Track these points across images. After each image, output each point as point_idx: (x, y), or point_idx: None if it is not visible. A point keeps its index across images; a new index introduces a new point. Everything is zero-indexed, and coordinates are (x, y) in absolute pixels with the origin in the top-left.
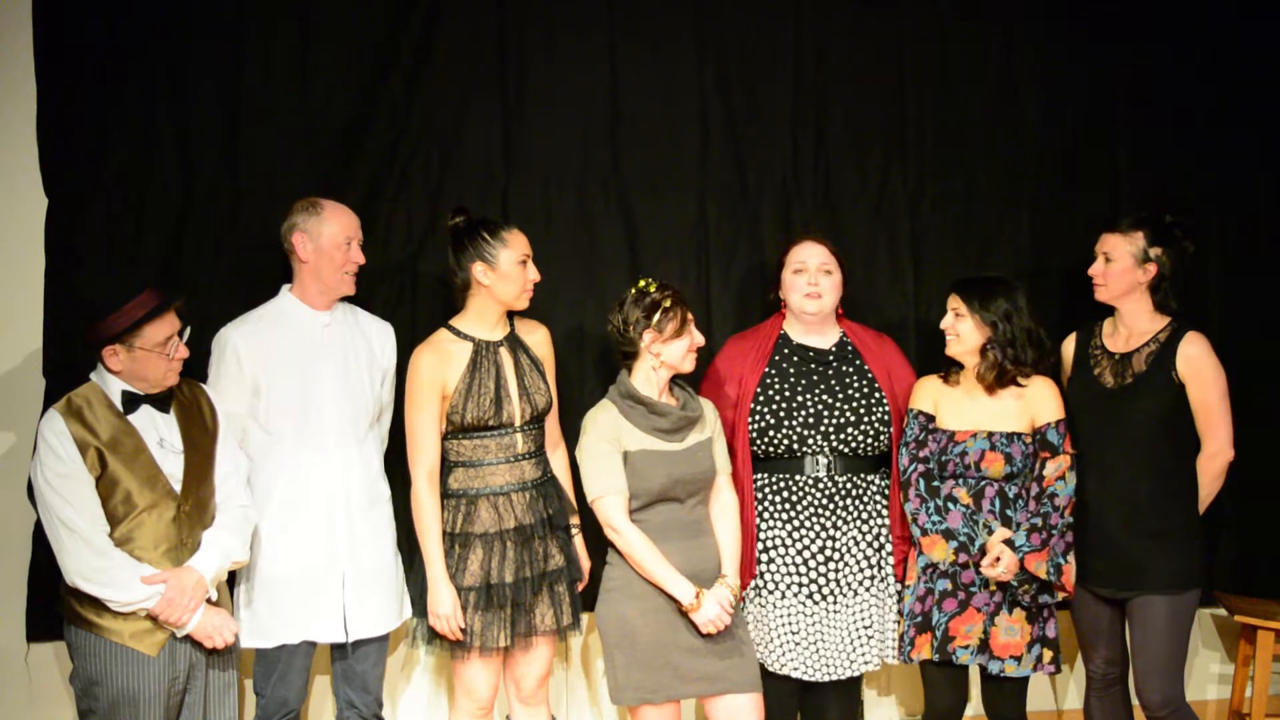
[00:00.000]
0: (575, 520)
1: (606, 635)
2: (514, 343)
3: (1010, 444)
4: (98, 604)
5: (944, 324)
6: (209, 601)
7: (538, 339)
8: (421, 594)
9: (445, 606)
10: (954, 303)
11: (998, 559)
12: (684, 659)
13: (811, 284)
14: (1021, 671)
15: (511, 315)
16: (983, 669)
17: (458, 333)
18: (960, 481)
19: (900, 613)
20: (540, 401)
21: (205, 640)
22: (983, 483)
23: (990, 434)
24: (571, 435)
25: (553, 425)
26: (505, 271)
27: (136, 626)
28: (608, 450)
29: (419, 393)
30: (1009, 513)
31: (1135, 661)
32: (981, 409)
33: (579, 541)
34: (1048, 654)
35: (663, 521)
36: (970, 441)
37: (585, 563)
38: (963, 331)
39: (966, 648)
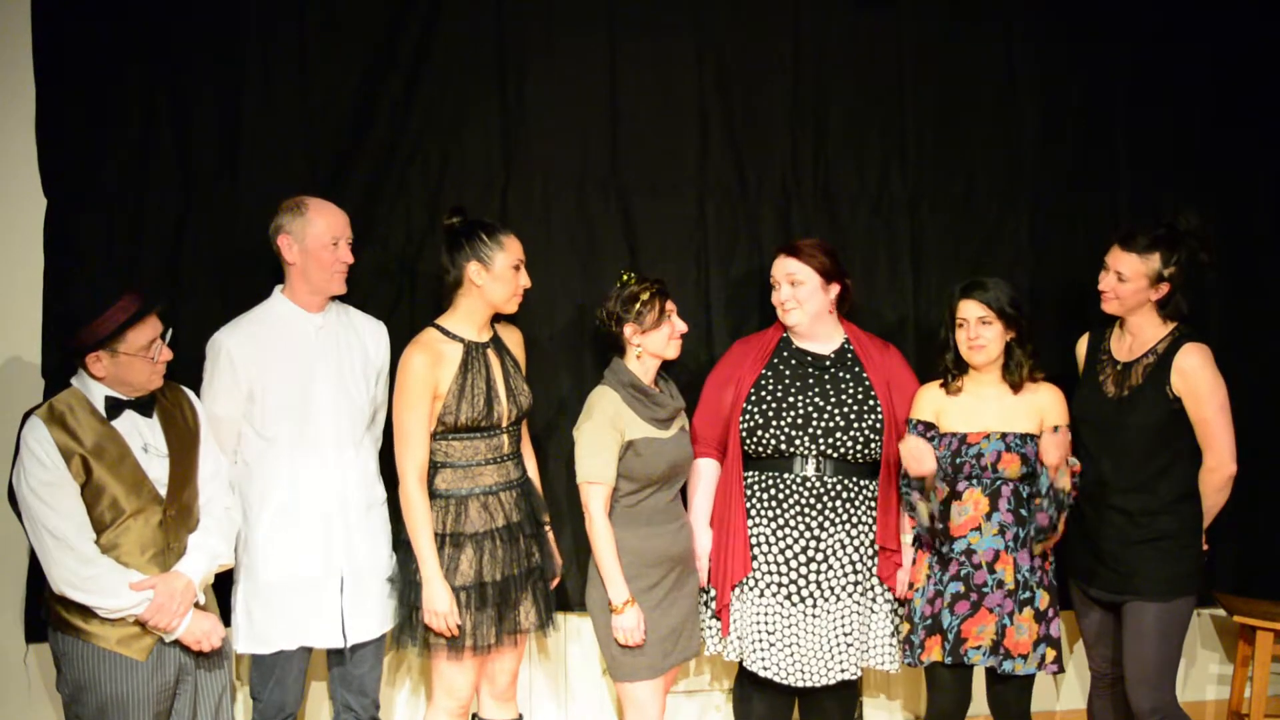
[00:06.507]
0: (546, 518)
1: (604, 618)
2: (499, 345)
3: (1024, 444)
4: (84, 610)
5: (970, 335)
6: (196, 605)
7: (514, 341)
8: (404, 594)
9: (442, 604)
10: (977, 310)
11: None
12: (668, 637)
13: (781, 300)
14: (1028, 669)
15: (493, 318)
16: (992, 669)
17: (447, 333)
18: (975, 482)
19: (902, 618)
20: (524, 403)
21: (193, 645)
22: (998, 483)
23: (1004, 435)
24: (566, 427)
25: (525, 428)
26: (499, 274)
27: (124, 632)
28: (610, 439)
29: (410, 392)
30: (1023, 512)
31: (1126, 667)
32: (992, 411)
33: (551, 538)
34: (1050, 653)
35: (655, 507)
36: (985, 443)
37: (558, 559)
38: (990, 338)
39: (978, 648)
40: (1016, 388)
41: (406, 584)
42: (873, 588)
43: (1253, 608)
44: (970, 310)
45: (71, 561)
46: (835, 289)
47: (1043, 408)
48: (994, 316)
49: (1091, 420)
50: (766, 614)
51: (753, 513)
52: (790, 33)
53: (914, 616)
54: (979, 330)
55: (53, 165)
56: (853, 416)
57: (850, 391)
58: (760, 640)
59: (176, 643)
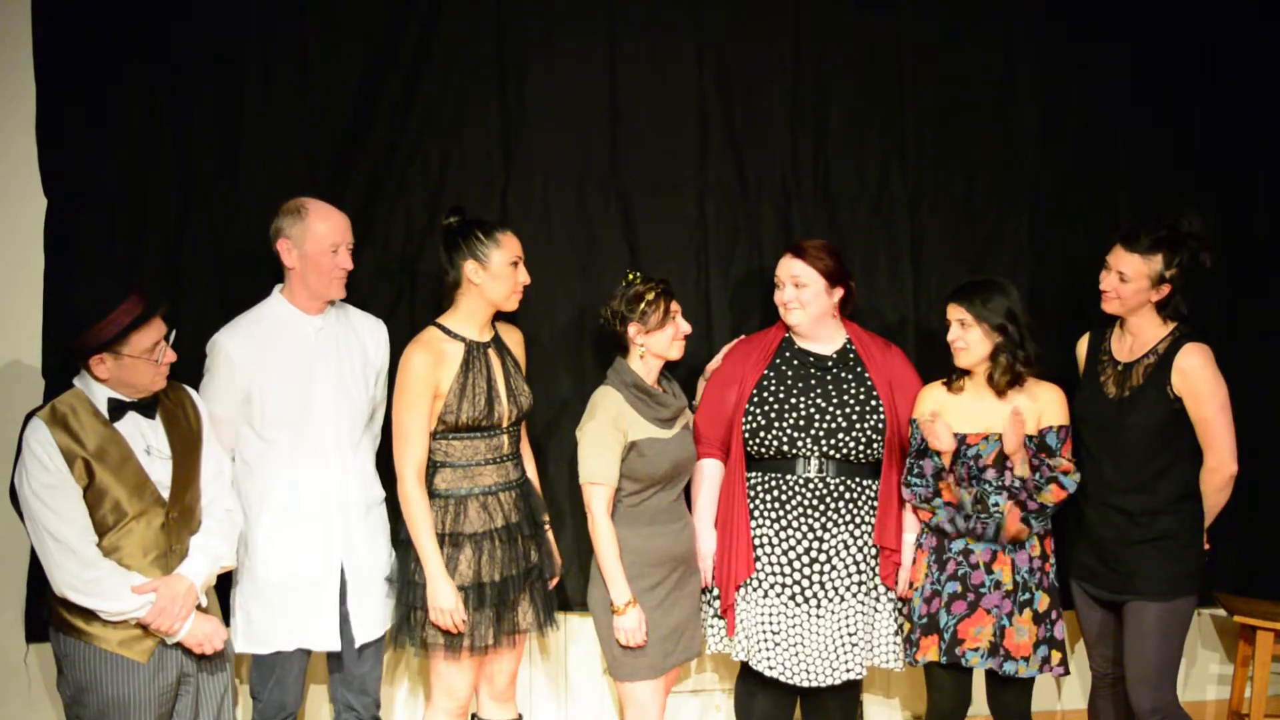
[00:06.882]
0: (546, 518)
1: (606, 618)
2: (499, 345)
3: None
4: (86, 612)
5: (951, 336)
6: (198, 608)
7: (515, 341)
8: (403, 594)
9: (448, 601)
10: (957, 312)
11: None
12: (669, 637)
13: (784, 300)
14: (1029, 672)
15: (494, 317)
16: (993, 671)
17: (449, 332)
18: (974, 483)
19: (904, 617)
20: (525, 403)
21: (195, 647)
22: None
23: (1002, 436)
24: (567, 427)
25: (524, 429)
26: (496, 271)
27: (125, 634)
28: (613, 440)
29: (411, 391)
30: None
31: (1127, 667)
32: (991, 412)
33: (551, 538)
34: (1055, 655)
35: (658, 507)
36: (984, 444)
37: (558, 559)
38: (971, 341)
39: (976, 650)
40: (1000, 393)
41: (405, 584)
42: (876, 587)
43: (1253, 608)
44: (952, 313)
45: (73, 565)
46: (839, 292)
47: (1041, 408)
48: (973, 321)
49: (1092, 421)
50: (771, 615)
51: (756, 514)
52: (790, 33)
53: (913, 616)
54: (959, 333)
55: (53, 165)
56: (855, 417)
57: (852, 392)
58: (765, 640)
59: (178, 645)
